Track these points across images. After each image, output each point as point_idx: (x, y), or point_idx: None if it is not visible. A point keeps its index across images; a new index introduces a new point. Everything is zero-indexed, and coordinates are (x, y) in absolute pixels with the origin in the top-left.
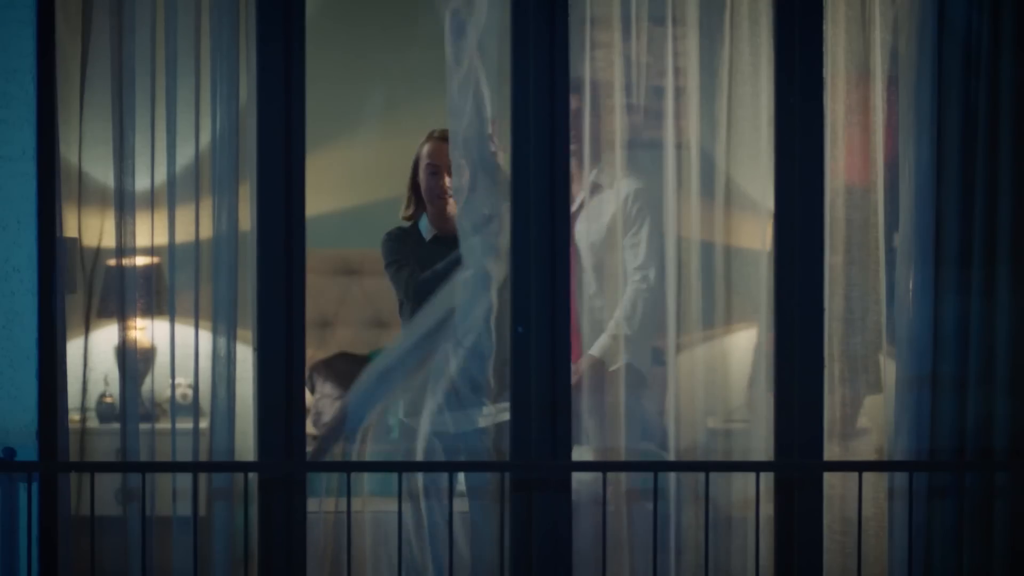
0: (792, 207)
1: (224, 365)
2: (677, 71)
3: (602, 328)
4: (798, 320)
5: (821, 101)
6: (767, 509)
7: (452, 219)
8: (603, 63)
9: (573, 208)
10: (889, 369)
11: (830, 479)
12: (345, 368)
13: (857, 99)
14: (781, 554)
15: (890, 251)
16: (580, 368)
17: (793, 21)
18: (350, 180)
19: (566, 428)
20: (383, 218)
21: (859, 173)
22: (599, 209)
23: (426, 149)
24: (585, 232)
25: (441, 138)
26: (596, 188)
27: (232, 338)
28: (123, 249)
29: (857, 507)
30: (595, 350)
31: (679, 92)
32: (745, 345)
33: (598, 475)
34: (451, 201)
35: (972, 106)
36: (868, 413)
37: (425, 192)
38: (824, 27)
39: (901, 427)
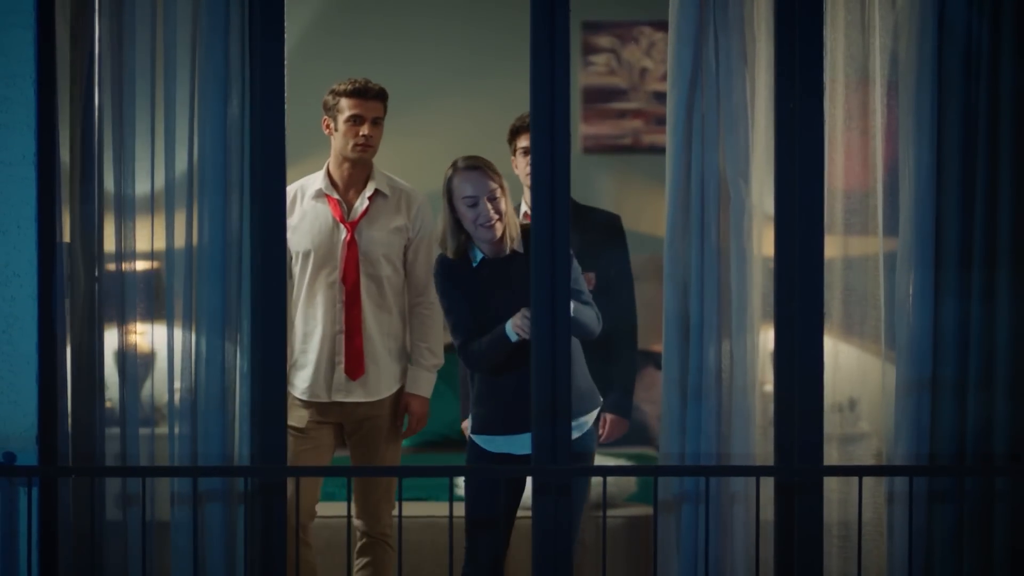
0: (792, 211)
1: (222, 369)
2: None
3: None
4: (798, 324)
5: (821, 105)
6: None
7: (502, 241)
8: None
9: (357, 216)
10: (889, 373)
11: (830, 483)
12: None
13: (857, 103)
14: (781, 558)
15: (890, 255)
16: (414, 413)
17: (793, 24)
18: None
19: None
20: None
21: (859, 177)
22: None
23: (456, 182)
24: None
25: (469, 167)
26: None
27: (232, 342)
28: (123, 254)
29: (857, 511)
30: (426, 391)
31: None
32: None
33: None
34: (497, 225)
35: (972, 110)
36: (868, 417)
37: (468, 224)
38: (824, 31)
39: (901, 431)
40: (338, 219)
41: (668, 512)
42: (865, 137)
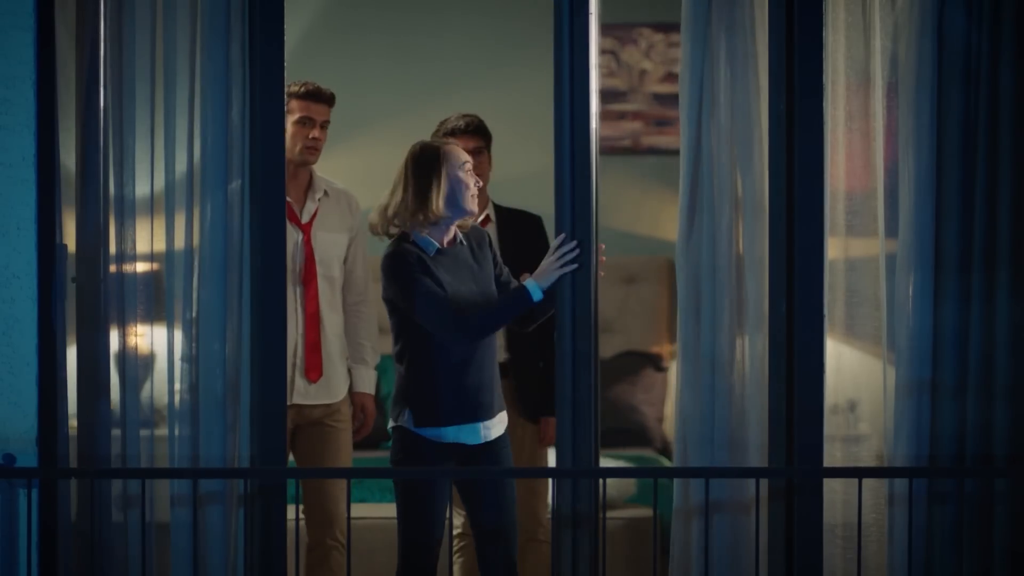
0: (792, 212)
1: (222, 371)
2: None
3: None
4: (799, 326)
5: (821, 106)
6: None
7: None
8: None
9: (310, 219)
10: (889, 375)
11: (833, 484)
12: None
13: (857, 105)
14: (782, 559)
15: (890, 257)
16: (371, 413)
17: (792, 25)
18: (361, 181)
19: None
20: None
21: (860, 178)
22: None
23: (450, 151)
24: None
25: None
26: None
27: (232, 344)
28: (123, 256)
29: (857, 513)
30: (373, 389)
31: None
32: None
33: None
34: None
35: (971, 112)
36: (868, 419)
37: (461, 191)
38: (824, 33)
39: (901, 433)
40: (292, 222)
41: (678, 515)
42: (866, 139)
